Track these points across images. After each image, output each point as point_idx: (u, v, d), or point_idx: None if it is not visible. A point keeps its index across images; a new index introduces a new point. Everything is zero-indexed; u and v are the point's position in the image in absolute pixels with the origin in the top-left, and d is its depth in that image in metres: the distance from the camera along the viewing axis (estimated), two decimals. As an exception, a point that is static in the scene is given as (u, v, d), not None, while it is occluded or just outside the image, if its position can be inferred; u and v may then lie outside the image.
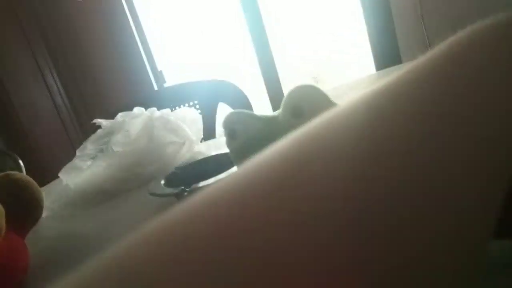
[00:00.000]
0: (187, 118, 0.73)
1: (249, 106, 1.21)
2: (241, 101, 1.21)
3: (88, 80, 2.37)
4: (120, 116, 0.70)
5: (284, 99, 0.37)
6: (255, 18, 2.00)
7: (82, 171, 0.65)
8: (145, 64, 2.42)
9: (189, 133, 0.71)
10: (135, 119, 0.69)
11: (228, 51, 2.33)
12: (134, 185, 0.63)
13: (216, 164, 0.56)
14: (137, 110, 0.71)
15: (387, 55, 1.82)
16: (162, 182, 0.54)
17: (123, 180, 0.63)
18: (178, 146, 0.69)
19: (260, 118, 0.39)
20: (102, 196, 0.62)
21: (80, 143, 0.70)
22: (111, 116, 0.72)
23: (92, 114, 2.07)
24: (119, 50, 2.35)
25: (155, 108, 0.72)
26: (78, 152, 0.68)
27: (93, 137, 0.70)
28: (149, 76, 2.44)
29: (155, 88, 2.39)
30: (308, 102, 0.35)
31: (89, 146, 0.68)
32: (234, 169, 0.50)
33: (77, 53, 2.35)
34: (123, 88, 2.37)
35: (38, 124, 2.37)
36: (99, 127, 0.71)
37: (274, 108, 2.00)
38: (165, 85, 2.45)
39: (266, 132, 0.37)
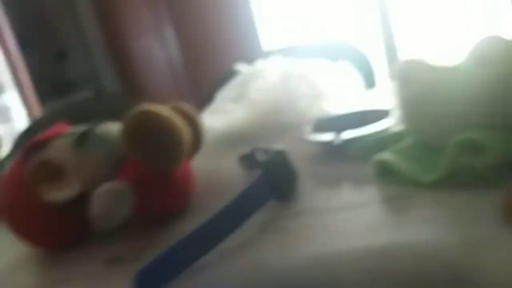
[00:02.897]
0: (323, 70, 0.73)
1: (372, 71, 1.17)
2: (363, 65, 1.17)
3: (202, 35, 2.44)
4: (259, 63, 0.73)
5: (470, 49, 0.35)
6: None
7: (223, 114, 0.69)
8: (255, 27, 2.43)
9: (323, 88, 0.72)
10: (273, 69, 0.72)
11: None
12: (271, 132, 0.66)
13: (358, 119, 0.57)
14: (275, 59, 0.73)
15: None
16: (309, 129, 0.56)
17: (261, 126, 0.67)
18: (313, 100, 0.70)
19: (438, 68, 0.38)
20: (242, 139, 0.66)
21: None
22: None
23: (204, 69, 2.17)
24: (231, 10, 2.39)
25: (292, 59, 0.74)
26: (218, 96, 0.73)
27: (233, 82, 0.73)
28: (258, 38, 2.45)
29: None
30: (497, 53, 0.34)
31: (229, 90, 0.72)
32: (385, 123, 0.50)
33: (195, 8, 2.41)
34: (232, 47, 2.42)
35: (151, 75, 2.54)
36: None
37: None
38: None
39: (443, 82, 0.37)
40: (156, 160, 0.39)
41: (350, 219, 0.35)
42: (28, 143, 0.44)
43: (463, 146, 0.35)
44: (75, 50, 2.63)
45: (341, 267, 0.31)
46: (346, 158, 0.48)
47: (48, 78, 2.42)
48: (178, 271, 0.32)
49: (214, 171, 0.52)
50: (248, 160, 0.53)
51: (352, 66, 1.01)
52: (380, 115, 0.54)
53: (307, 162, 0.52)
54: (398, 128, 0.47)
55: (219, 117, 0.68)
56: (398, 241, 0.31)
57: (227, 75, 0.91)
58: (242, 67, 0.74)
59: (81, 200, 0.39)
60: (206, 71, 2.01)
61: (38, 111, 2.06)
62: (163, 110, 0.39)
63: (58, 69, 2.63)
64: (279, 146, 0.43)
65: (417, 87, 0.38)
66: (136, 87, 2.57)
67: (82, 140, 0.43)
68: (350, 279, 0.30)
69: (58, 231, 0.42)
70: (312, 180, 0.45)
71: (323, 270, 0.31)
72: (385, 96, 0.86)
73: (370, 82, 1.14)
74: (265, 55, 0.78)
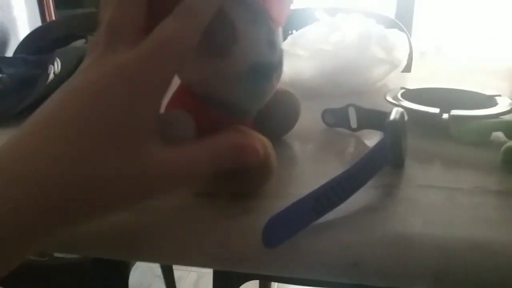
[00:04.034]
0: (400, 41, 0.68)
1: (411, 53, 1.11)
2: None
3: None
4: (339, 16, 0.67)
5: None
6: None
7: (294, 59, 0.63)
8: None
9: (402, 57, 0.66)
10: (354, 24, 0.65)
11: None
12: (341, 91, 0.61)
13: (456, 98, 0.52)
14: (355, 16, 0.67)
15: None
16: (399, 97, 0.51)
17: (333, 83, 0.61)
18: (391, 68, 0.65)
19: None
20: (310, 92, 0.60)
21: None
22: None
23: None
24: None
25: (374, 20, 0.68)
26: (289, 38, 0.66)
27: (307, 28, 0.67)
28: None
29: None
30: None
31: (303, 35, 0.66)
32: (498, 108, 0.45)
33: None
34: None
35: None
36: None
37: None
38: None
39: None
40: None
41: (482, 206, 0.31)
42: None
43: None
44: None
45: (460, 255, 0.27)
46: (448, 137, 0.44)
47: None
48: (304, 225, 0.28)
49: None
50: (335, 115, 0.47)
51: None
52: (480, 98, 0.50)
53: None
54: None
55: (288, 61, 0.62)
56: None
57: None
58: (321, 15, 0.68)
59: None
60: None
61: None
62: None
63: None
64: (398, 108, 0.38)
65: None
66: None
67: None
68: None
69: None
70: (416, 154, 0.40)
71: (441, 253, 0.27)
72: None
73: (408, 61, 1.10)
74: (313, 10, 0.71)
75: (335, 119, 0.47)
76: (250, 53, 0.31)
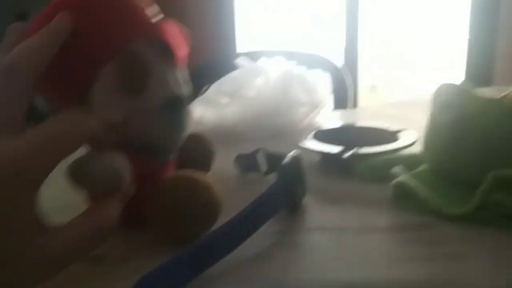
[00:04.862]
0: (321, 81, 0.71)
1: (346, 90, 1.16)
2: (339, 83, 1.17)
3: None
4: (261, 61, 0.69)
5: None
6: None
7: (217, 107, 0.64)
8: (234, 27, 2.40)
9: (323, 97, 0.69)
10: (275, 69, 0.68)
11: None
12: (264, 135, 0.62)
13: (363, 135, 0.54)
14: (278, 60, 0.70)
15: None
16: (310, 138, 0.52)
17: (255, 126, 0.63)
18: (311, 108, 0.67)
19: (482, 97, 0.36)
20: (234, 137, 0.61)
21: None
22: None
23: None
24: (213, 10, 2.34)
25: (294, 63, 0.71)
26: (212, 87, 0.68)
27: (231, 75, 0.69)
28: (235, 38, 2.42)
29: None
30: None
31: (226, 83, 0.67)
32: (399, 143, 0.48)
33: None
34: (207, 44, 2.36)
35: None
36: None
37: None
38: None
39: (487, 112, 0.35)
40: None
41: (370, 245, 0.32)
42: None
43: (500, 183, 0.33)
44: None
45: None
46: (349, 174, 0.45)
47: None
48: (184, 282, 0.28)
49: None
50: (246, 160, 0.48)
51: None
52: (385, 134, 0.52)
53: (309, 174, 0.48)
54: (414, 151, 0.45)
55: (212, 109, 0.64)
56: (432, 278, 0.28)
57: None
58: (243, 62, 0.70)
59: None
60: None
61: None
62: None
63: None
64: (294, 151, 0.39)
65: (456, 113, 0.36)
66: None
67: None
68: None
69: None
70: (316, 195, 0.41)
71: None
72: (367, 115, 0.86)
73: (343, 99, 1.14)
74: (237, 56, 0.74)
75: (247, 164, 0.48)
76: (164, 87, 0.33)
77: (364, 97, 2.36)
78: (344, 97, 1.12)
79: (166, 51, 0.33)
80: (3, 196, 0.22)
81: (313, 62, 1.16)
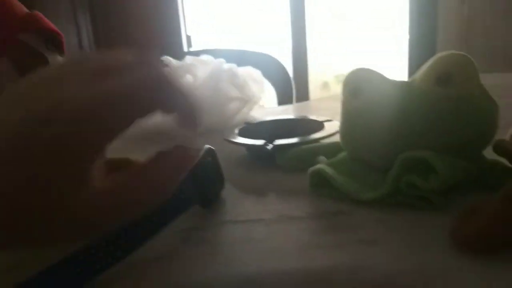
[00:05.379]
0: (253, 77, 0.70)
1: (291, 86, 1.17)
2: (283, 79, 1.17)
3: (119, 28, 2.32)
4: (189, 59, 0.67)
5: (428, 64, 0.33)
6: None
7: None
8: (179, 26, 2.37)
9: (254, 92, 0.68)
10: (204, 66, 0.66)
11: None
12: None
13: (288, 128, 0.54)
14: (205, 57, 0.68)
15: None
16: (236, 132, 0.51)
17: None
18: (242, 103, 0.66)
19: (390, 81, 0.36)
20: (160, 134, 0.59)
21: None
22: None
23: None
24: (156, 8, 2.30)
25: (223, 60, 0.69)
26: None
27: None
28: (181, 38, 2.40)
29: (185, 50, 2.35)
30: (459, 71, 0.32)
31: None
32: (318, 133, 0.47)
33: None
34: (152, 40, 2.32)
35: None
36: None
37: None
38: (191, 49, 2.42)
39: (395, 96, 0.34)
40: None
41: (283, 235, 0.31)
42: None
43: (410, 166, 0.33)
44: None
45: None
46: (275, 166, 0.44)
47: None
48: (79, 284, 0.25)
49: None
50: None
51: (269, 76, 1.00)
52: (312, 125, 0.52)
53: (233, 167, 0.47)
54: (333, 140, 0.44)
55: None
56: (340, 264, 0.27)
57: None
58: (169, 60, 0.68)
59: None
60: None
61: None
62: None
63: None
64: (206, 145, 0.37)
65: (365, 98, 0.35)
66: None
67: None
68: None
69: None
70: (238, 187, 0.40)
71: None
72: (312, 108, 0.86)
73: (287, 94, 1.16)
74: (184, 54, 0.72)
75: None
76: None
77: (315, 93, 2.40)
78: (289, 93, 1.13)
79: (53, 40, 0.31)
80: (76, 136, 0.22)
81: (258, 59, 1.16)
